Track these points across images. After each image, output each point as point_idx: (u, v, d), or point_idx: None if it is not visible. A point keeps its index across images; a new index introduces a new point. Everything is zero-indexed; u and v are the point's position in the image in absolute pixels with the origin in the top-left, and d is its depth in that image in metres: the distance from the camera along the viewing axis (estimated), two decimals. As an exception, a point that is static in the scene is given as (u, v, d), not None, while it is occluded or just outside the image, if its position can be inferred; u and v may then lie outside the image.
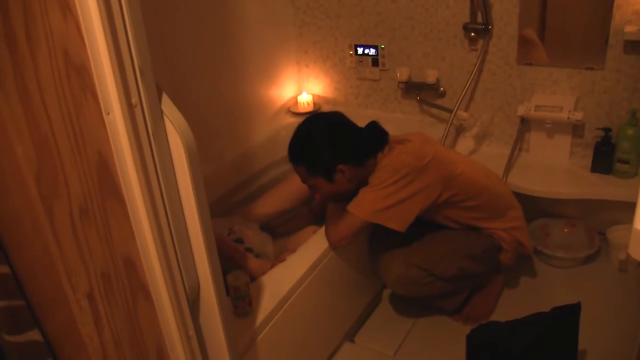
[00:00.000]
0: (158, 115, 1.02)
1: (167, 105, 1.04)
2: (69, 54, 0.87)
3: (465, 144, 2.49)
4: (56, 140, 0.88)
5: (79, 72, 0.89)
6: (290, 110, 2.86)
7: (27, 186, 0.87)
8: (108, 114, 0.93)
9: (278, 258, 1.79)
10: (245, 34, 2.52)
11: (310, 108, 2.83)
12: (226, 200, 2.40)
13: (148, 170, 1.01)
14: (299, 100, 2.85)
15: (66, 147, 0.89)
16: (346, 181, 1.78)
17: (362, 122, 1.89)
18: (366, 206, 1.73)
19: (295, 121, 2.73)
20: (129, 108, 0.95)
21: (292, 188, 2.15)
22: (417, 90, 2.61)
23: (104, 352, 1.03)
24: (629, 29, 2.09)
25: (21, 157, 0.85)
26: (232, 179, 2.48)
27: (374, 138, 1.82)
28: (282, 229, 2.18)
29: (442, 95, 2.58)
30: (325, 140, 1.78)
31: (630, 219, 2.33)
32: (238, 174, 2.53)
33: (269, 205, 2.17)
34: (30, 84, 0.83)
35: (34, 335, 0.98)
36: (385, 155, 1.80)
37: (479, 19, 2.35)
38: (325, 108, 2.88)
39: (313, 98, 2.86)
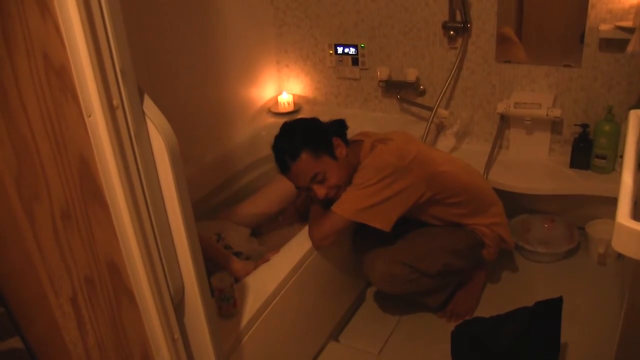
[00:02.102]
0: (140, 117, 1.01)
1: (149, 107, 1.03)
2: (49, 56, 0.85)
3: (445, 142, 2.51)
4: (36, 143, 0.86)
5: (59, 74, 0.87)
6: (270, 110, 2.85)
7: (7, 190, 0.85)
8: (89, 116, 0.92)
9: (262, 258, 1.79)
10: (225, 35, 2.50)
11: (290, 108, 2.83)
12: (208, 201, 2.38)
13: (130, 172, 1.00)
14: (279, 100, 2.84)
15: (47, 150, 0.88)
16: (344, 159, 1.80)
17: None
18: (350, 205, 1.73)
19: (276, 121, 2.74)
20: (111, 110, 0.93)
21: (280, 189, 2.15)
22: (397, 89, 2.62)
23: (89, 358, 1.02)
24: (603, 27, 2.12)
25: (0, 160, 0.83)
26: (214, 180, 2.47)
27: (333, 122, 1.91)
28: (266, 227, 2.17)
29: (422, 93, 2.60)
30: (311, 121, 1.87)
31: (608, 214, 2.38)
32: (219, 174, 2.52)
33: (257, 206, 2.16)
34: (9, 86, 0.82)
35: (15, 342, 0.96)
36: (367, 154, 1.80)
37: (458, 17, 2.37)
38: (306, 108, 2.88)
39: (293, 98, 2.86)
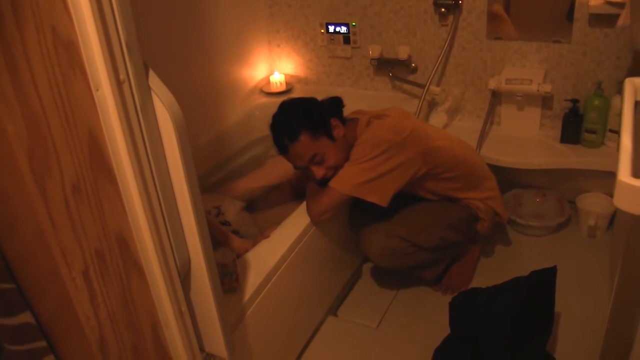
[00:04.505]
0: (146, 92, 1.02)
1: (155, 82, 1.04)
2: (57, 30, 0.86)
3: (437, 119, 2.53)
4: (47, 118, 0.87)
5: (67, 49, 0.88)
6: (262, 90, 2.85)
7: (19, 165, 0.86)
8: (97, 90, 0.92)
9: (262, 235, 1.81)
10: (215, 15, 2.49)
11: (282, 88, 2.83)
12: (203, 182, 2.38)
13: (138, 147, 1.01)
14: (271, 80, 2.85)
15: (57, 124, 0.88)
16: (342, 139, 1.81)
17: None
18: (347, 180, 1.75)
19: (269, 101, 2.75)
20: (118, 84, 0.94)
21: (281, 164, 2.16)
22: (389, 67, 2.63)
23: (101, 330, 1.04)
24: (593, 2, 2.14)
25: (12, 135, 0.84)
26: (208, 161, 2.48)
27: (330, 100, 1.92)
28: (262, 203, 2.19)
29: (414, 71, 2.61)
30: (309, 102, 1.87)
31: (598, 187, 2.42)
32: (213, 156, 2.53)
33: (258, 181, 2.19)
34: (19, 60, 0.82)
35: (26, 317, 0.97)
36: (363, 130, 1.82)
37: (449, -6, 2.38)
38: (298, 87, 2.88)
39: (285, 78, 2.86)
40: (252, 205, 2.18)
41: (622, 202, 0.80)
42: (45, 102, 0.86)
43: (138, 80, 0.99)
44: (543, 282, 1.68)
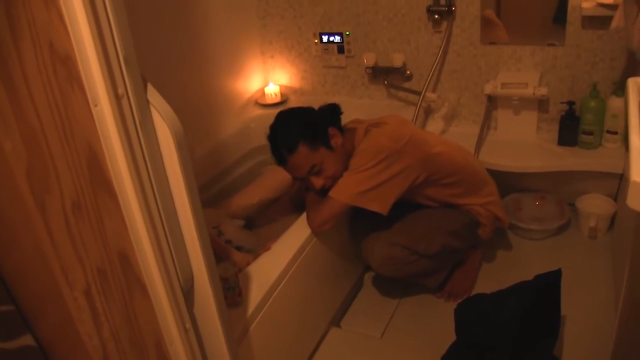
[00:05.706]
0: (145, 106, 1.01)
1: (153, 95, 1.02)
2: (54, 45, 0.84)
3: (434, 125, 2.53)
4: (45, 134, 0.85)
5: (65, 63, 0.86)
6: (257, 102, 2.84)
7: (17, 183, 0.84)
8: (96, 105, 0.91)
9: (262, 247, 1.79)
10: (208, 27, 2.49)
11: (277, 99, 2.82)
12: (199, 195, 2.37)
13: (138, 162, 0.99)
14: (266, 92, 2.84)
15: (55, 140, 0.87)
16: (340, 148, 1.81)
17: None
18: (347, 190, 1.74)
19: (264, 113, 2.74)
20: (117, 99, 0.93)
21: (275, 178, 2.15)
22: (384, 75, 2.63)
23: (104, 350, 1.02)
24: (586, 5, 2.15)
25: (10, 152, 0.82)
26: (204, 174, 2.45)
27: (327, 108, 1.90)
28: (261, 219, 2.17)
29: (409, 78, 2.61)
30: (307, 112, 1.86)
31: (597, 188, 2.41)
32: (209, 168, 2.51)
33: (254, 196, 2.16)
34: (16, 76, 0.80)
35: (27, 340, 0.95)
36: (362, 139, 1.81)
37: (442, 1, 2.39)
38: (293, 98, 2.87)
39: (280, 89, 2.86)
40: (252, 221, 2.16)
41: (637, 203, 0.79)
42: (43, 118, 0.84)
43: (137, 94, 0.97)
44: (548, 285, 1.67)
